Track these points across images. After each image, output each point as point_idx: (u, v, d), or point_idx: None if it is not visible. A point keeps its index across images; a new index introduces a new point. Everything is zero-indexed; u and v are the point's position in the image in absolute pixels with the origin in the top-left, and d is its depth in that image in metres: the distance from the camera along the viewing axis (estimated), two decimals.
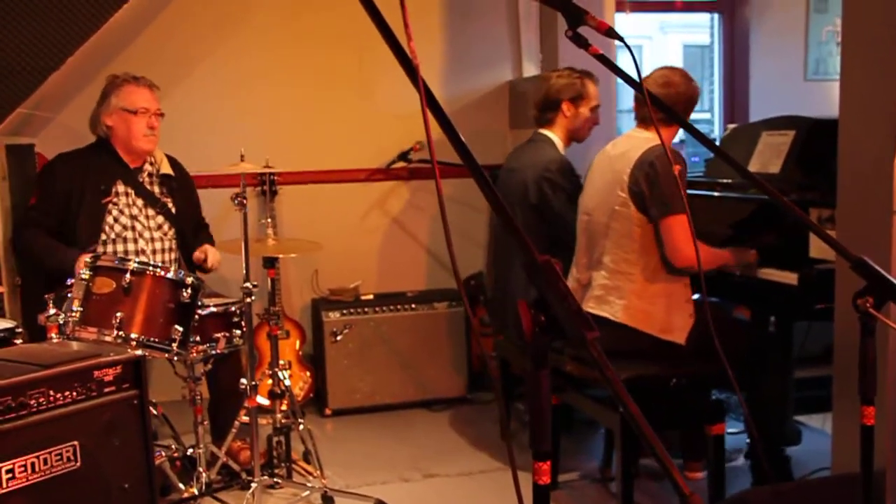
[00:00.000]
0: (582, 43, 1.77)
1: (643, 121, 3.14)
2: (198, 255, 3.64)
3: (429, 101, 1.26)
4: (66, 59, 3.42)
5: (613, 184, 3.07)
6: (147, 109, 3.52)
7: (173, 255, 3.65)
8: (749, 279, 3.18)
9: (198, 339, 3.13)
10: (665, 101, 3.01)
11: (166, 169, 3.68)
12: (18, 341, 2.77)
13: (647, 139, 3.05)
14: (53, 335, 2.83)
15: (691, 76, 3.14)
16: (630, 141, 3.14)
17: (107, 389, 2.21)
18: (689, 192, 3.13)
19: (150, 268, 2.96)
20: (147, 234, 3.55)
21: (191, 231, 3.74)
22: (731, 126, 4.01)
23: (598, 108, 3.84)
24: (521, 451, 3.68)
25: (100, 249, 3.44)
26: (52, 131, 4.21)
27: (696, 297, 3.13)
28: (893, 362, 2.40)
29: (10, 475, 1.96)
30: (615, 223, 3.05)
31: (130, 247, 3.51)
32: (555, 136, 3.81)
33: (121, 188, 3.53)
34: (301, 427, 3.48)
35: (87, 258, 2.99)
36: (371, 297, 4.61)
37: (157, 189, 3.64)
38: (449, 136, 1.25)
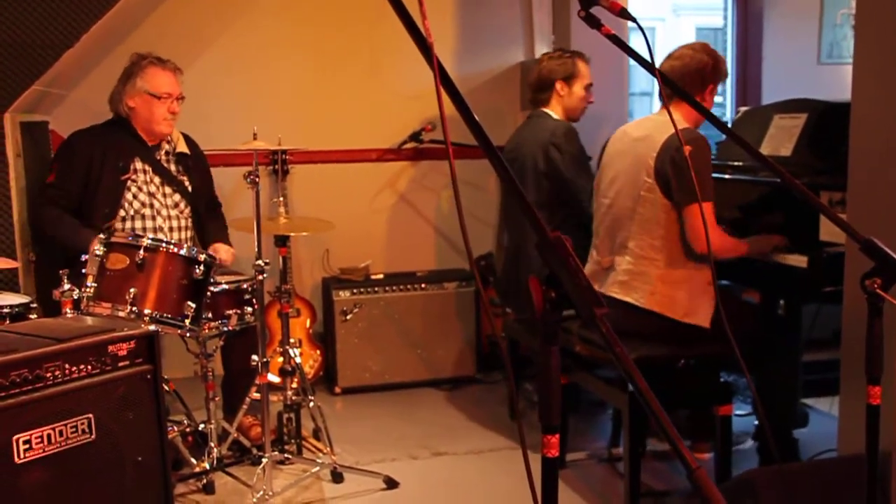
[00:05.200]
0: (594, 23, 1.78)
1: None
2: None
3: (443, 79, 1.26)
4: (81, 35, 3.43)
5: (638, 168, 3.01)
6: (170, 95, 3.52)
7: (189, 234, 3.67)
8: (759, 262, 3.18)
9: (210, 315, 3.17)
10: (673, 76, 2.98)
11: (182, 147, 3.69)
12: (33, 316, 2.81)
13: (668, 122, 3.00)
14: (68, 310, 2.86)
15: (708, 48, 3.06)
16: (653, 123, 3.09)
17: (121, 364, 2.25)
18: None
19: (164, 244, 2.99)
20: (164, 212, 3.57)
21: (204, 209, 3.76)
22: (743, 109, 3.99)
23: (591, 86, 3.90)
24: (529, 430, 3.70)
25: (118, 226, 3.46)
26: (65, 108, 4.23)
27: None
28: None
29: (26, 446, 2.00)
30: (641, 208, 3.00)
31: (148, 224, 3.53)
32: (553, 112, 3.84)
33: (139, 165, 3.55)
34: (311, 404, 3.51)
35: (101, 236, 3.02)
36: (381, 276, 4.63)
37: (173, 167, 3.66)
38: (463, 114, 1.26)
